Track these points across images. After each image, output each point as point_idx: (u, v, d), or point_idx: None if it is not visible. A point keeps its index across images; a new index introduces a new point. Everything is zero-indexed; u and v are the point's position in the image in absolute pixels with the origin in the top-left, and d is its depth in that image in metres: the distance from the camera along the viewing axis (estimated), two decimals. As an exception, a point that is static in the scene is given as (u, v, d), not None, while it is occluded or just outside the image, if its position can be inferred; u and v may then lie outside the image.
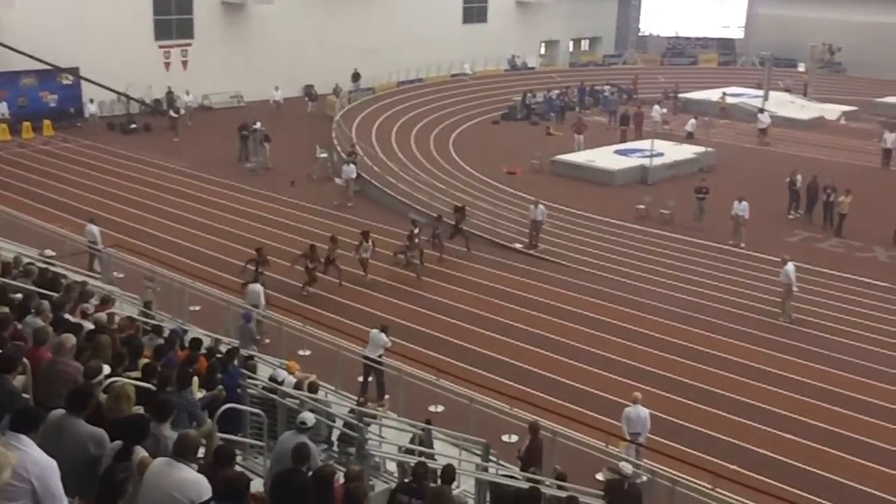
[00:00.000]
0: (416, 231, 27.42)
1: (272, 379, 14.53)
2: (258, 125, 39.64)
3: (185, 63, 49.68)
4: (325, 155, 38.63)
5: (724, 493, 14.61)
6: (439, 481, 10.23)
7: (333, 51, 52.43)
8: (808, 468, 17.47)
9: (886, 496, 16.67)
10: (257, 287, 21.77)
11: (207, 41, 49.81)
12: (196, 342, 14.03)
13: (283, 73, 49.65)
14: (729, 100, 54.05)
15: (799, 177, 34.27)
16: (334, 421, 13.11)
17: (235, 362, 14.11)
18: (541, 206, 30.22)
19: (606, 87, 56.43)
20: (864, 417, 19.49)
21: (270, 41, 50.91)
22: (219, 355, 14.05)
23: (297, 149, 40.45)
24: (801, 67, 62.84)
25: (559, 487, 12.57)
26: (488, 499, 11.87)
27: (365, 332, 20.03)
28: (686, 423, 18.87)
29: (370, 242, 26.28)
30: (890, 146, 42.06)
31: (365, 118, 46.98)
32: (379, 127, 45.88)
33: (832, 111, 53.76)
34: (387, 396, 18.44)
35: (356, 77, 52.51)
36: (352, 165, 34.92)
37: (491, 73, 59.36)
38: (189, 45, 49.81)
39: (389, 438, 14.33)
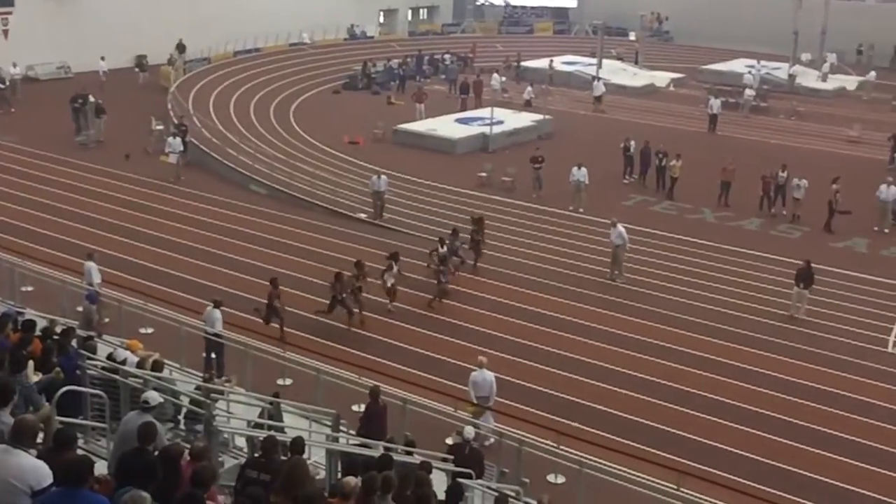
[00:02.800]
0: (443, 250, 24.16)
1: (112, 359, 14.06)
2: (91, 97, 38.03)
3: (5, 32, 47.06)
4: (160, 127, 37.44)
5: (570, 450, 15.09)
6: (289, 454, 10.16)
7: (166, 20, 50.63)
8: (640, 419, 18.20)
9: (727, 448, 17.54)
10: (90, 264, 20.74)
11: (30, 8, 47.21)
12: (29, 324, 13.43)
13: (113, 42, 47.53)
14: (564, 68, 55.28)
15: (632, 142, 35.46)
16: (180, 398, 12.82)
17: (74, 343, 13.58)
18: (384, 177, 30.24)
19: (447, 56, 56.74)
20: (693, 370, 20.48)
21: (99, 8, 48.65)
22: (55, 336, 13.49)
23: (130, 122, 39.03)
24: (632, 36, 64.72)
25: (408, 454, 12.69)
26: (339, 468, 11.87)
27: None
28: (528, 385, 19.36)
29: (396, 268, 22.96)
30: (716, 112, 43.95)
31: (201, 89, 45.73)
32: (217, 98, 44.75)
33: (662, 78, 55.70)
34: (224, 376, 18.09)
35: (181, 48, 50.61)
36: (177, 139, 33.78)
37: (330, 43, 58.70)
38: (9, 12, 47.15)
39: (238, 414, 14.13)
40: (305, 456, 10.63)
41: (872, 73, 54.02)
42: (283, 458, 10.09)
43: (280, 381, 17.70)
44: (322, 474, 11.98)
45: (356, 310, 21.72)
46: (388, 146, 39.08)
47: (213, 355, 18.35)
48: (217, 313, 18.75)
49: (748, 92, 48.88)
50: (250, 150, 35.49)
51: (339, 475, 11.43)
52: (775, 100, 50.19)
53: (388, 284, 22.60)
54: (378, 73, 52.52)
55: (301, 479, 8.91)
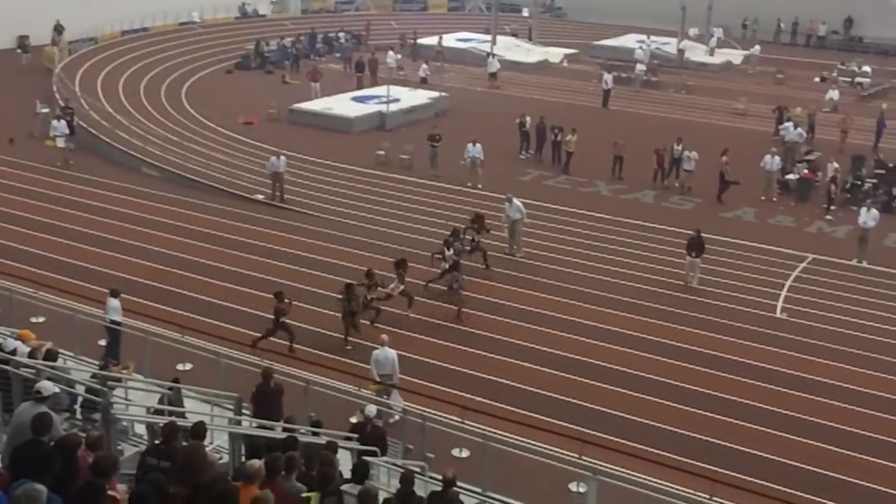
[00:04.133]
0: (451, 252, 22.88)
1: (1, 349, 13.61)
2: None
3: None
4: (46, 110, 36.21)
5: (474, 424, 15.24)
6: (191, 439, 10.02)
7: (49, -1, 48.81)
8: (541, 391, 18.49)
9: (624, 415, 17.94)
10: None
11: None
12: None
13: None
14: (459, 45, 55.37)
15: (528, 118, 35.80)
16: (75, 387, 12.50)
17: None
18: (282, 157, 29.89)
19: (341, 34, 56.23)
20: (591, 341, 20.91)
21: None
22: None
23: (13, 105, 37.69)
24: (525, 12, 65.13)
25: (315, 434, 12.66)
26: (243, 451, 11.76)
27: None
28: (432, 361, 19.47)
29: (403, 276, 21.67)
30: (608, 87, 44.62)
31: (89, 70, 44.36)
32: (105, 79, 43.47)
33: (555, 54, 56.26)
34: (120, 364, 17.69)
35: (59, 29, 48.80)
36: (63, 121, 32.71)
37: (221, 22, 57.52)
38: None
39: (137, 400, 13.86)
40: (208, 440, 10.50)
41: (757, 48, 55.51)
42: (184, 443, 9.94)
43: (180, 367, 17.40)
44: (225, 458, 11.86)
45: (368, 321, 20.50)
46: (283, 126, 38.62)
47: (109, 343, 17.92)
48: (114, 302, 18.29)
49: (639, 67, 49.73)
50: (142, 132, 34.65)
51: (243, 459, 11.32)
52: (665, 74, 51.21)
53: (397, 293, 21.21)
54: (271, 52, 51.76)
55: (198, 467, 8.77)
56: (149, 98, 41.38)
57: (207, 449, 10.11)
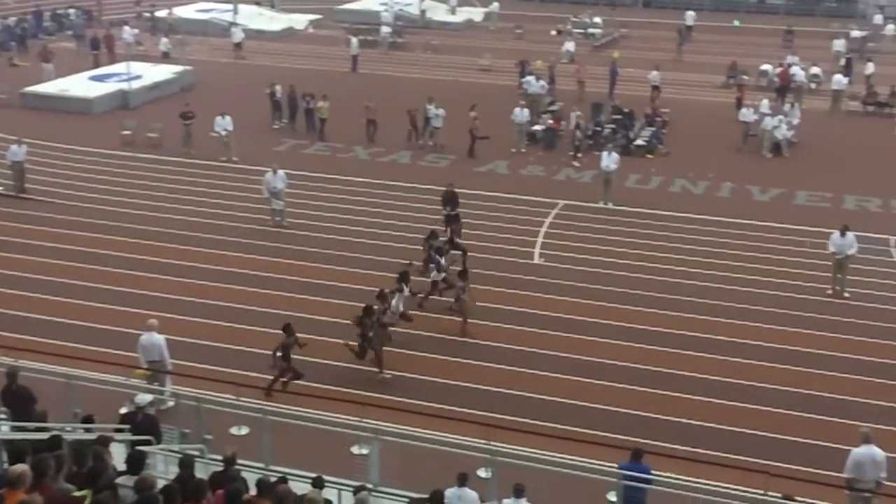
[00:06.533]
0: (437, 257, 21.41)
1: None
2: None
3: None
4: None
5: (251, 400, 15.06)
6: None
7: None
8: (317, 360, 18.53)
9: (408, 375, 18.24)
10: None
11: None
12: None
13: None
14: (200, 16, 53.77)
15: (278, 87, 35.33)
16: None
17: None
18: (23, 146, 27.99)
19: (71, 11, 53.18)
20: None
21: None
22: None
23: None
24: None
25: (87, 430, 12.10)
26: (6, 458, 11.08)
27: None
28: (202, 342, 19.06)
29: (407, 290, 19.82)
30: (356, 52, 44.66)
31: None
32: None
33: (300, 21, 55.70)
34: None
35: None
36: None
37: (-67, 3, 53.13)
38: None
39: None
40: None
41: (496, 5, 57.19)
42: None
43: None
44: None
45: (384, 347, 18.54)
46: (15, 111, 36.19)
47: None
48: None
49: (384, 29, 50.13)
50: None
51: (6, 465, 10.67)
52: (411, 35, 51.89)
53: (400, 309, 19.26)
54: (-6, 34, 48.30)
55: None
56: None
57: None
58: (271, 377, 17.27)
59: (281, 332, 17.55)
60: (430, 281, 21.12)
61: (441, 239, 22.53)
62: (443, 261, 21.43)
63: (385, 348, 18.42)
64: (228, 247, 24.25)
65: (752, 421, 16.99)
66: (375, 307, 18.49)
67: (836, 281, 22.43)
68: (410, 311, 19.89)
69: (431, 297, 20.99)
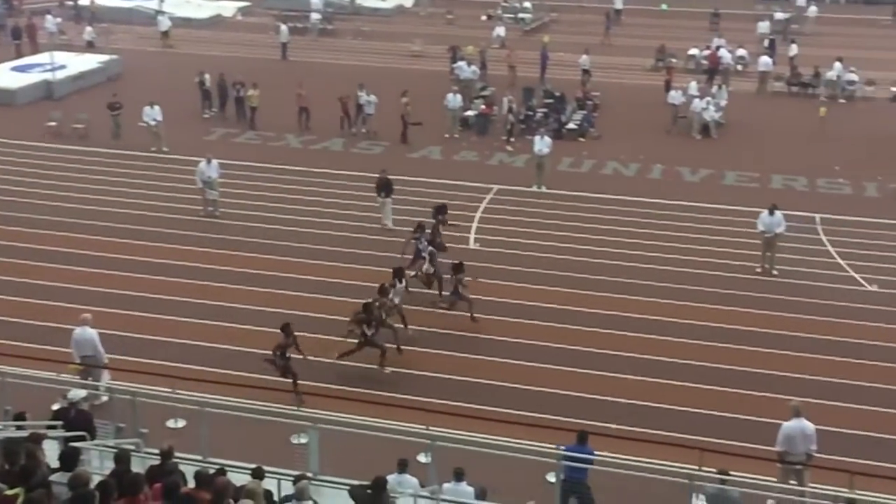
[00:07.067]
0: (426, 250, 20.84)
1: None
2: None
3: None
4: None
5: (188, 393, 14.91)
6: None
7: None
8: (248, 349, 18.40)
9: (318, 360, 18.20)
10: None
11: None
12: None
13: None
14: (125, 4, 52.79)
15: (207, 76, 34.88)
16: None
17: None
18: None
19: (-14, 1, 51.93)
20: (297, 294, 21.07)
21: None
22: None
23: None
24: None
25: (18, 428, 11.87)
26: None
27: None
28: (141, 336, 18.82)
29: (403, 283, 19.51)
30: (285, 39, 44.24)
31: None
32: None
33: (228, 8, 55.07)
34: None
35: None
36: None
37: None
38: None
39: None
40: None
41: (428, -10, 57.21)
42: None
43: None
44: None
45: (393, 345, 18.27)
46: (-68, 105, 35.31)
47: None
48: None
49: (314, 16, 49.79)
50: None
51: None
52: (341, 22, 51.60)
53: (395, 302, 18.89)
54: None
55: None
56: None
57: None
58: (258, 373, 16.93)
59: (279, 331, 16.99)
60: (424, 274, 20.74)
61: (427, 231, 21.92)
62: (427, 251, 20.90)
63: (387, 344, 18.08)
64: (159, 238, 23.92)
65: (685, 398, 17.29)
66: (375, 303, 18.04)
67: (765, 259, 22.91)
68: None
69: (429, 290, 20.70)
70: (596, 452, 13.26)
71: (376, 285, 20.30)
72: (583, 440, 13.29)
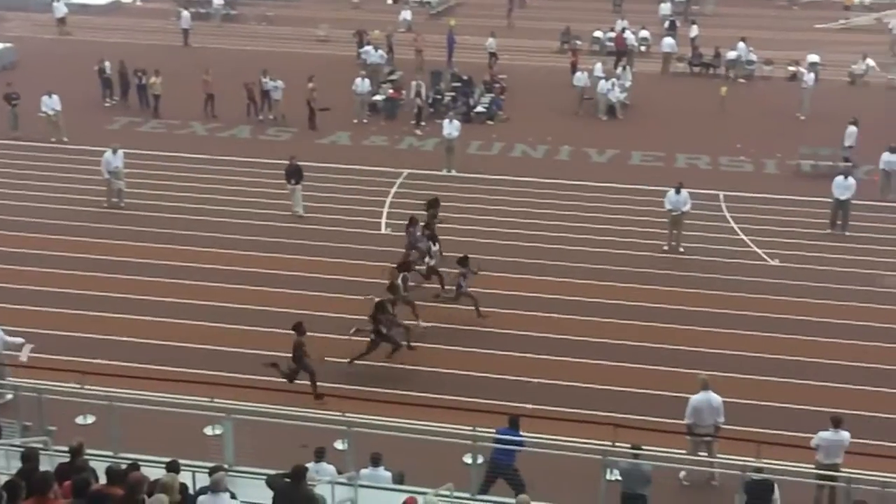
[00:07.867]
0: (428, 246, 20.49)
1: None
2: None
3: None
4: None
5: (97, 388, 14.59)
6: None
7: None
8: (173, 343, 18.16)
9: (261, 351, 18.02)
10: None
11: None
12: None
13: None
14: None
15: (107, 63, 34.09)
16: None
17: None
18: None
19: None
20: (221, 285, 20.79)
21: None
22: None
23: None
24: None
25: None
26: None
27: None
28: (49, 331, 18.36)
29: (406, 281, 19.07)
30: (187, 26, 43.39)
31: None
32: None
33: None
34: None
35: None
36: None
37: None
38: None
39: None
40: None
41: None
42: None
43: None
44: None
45: (403, 343, 17.95)
46: None
47: None
48: None
49: (217, 1, 48.96)
50: None
51: None
52: (244, 7, 50.83)
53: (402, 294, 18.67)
54: None
55: None
56: None
57: None
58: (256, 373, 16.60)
59: (292, 331, 16.62)
60: (427, 268, 20.52)
61: (421, 224, 21.53)
62: (435, 247, 20.67)
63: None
64: (64, 231, 23.33)
65: (597, 376, 17.57)
66: (387, 303, 17.83)
67: (672, 237, 23.38)
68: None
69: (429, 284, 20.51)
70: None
71: (288, 272, 20.16)
72: (514, 424, 13.35)
